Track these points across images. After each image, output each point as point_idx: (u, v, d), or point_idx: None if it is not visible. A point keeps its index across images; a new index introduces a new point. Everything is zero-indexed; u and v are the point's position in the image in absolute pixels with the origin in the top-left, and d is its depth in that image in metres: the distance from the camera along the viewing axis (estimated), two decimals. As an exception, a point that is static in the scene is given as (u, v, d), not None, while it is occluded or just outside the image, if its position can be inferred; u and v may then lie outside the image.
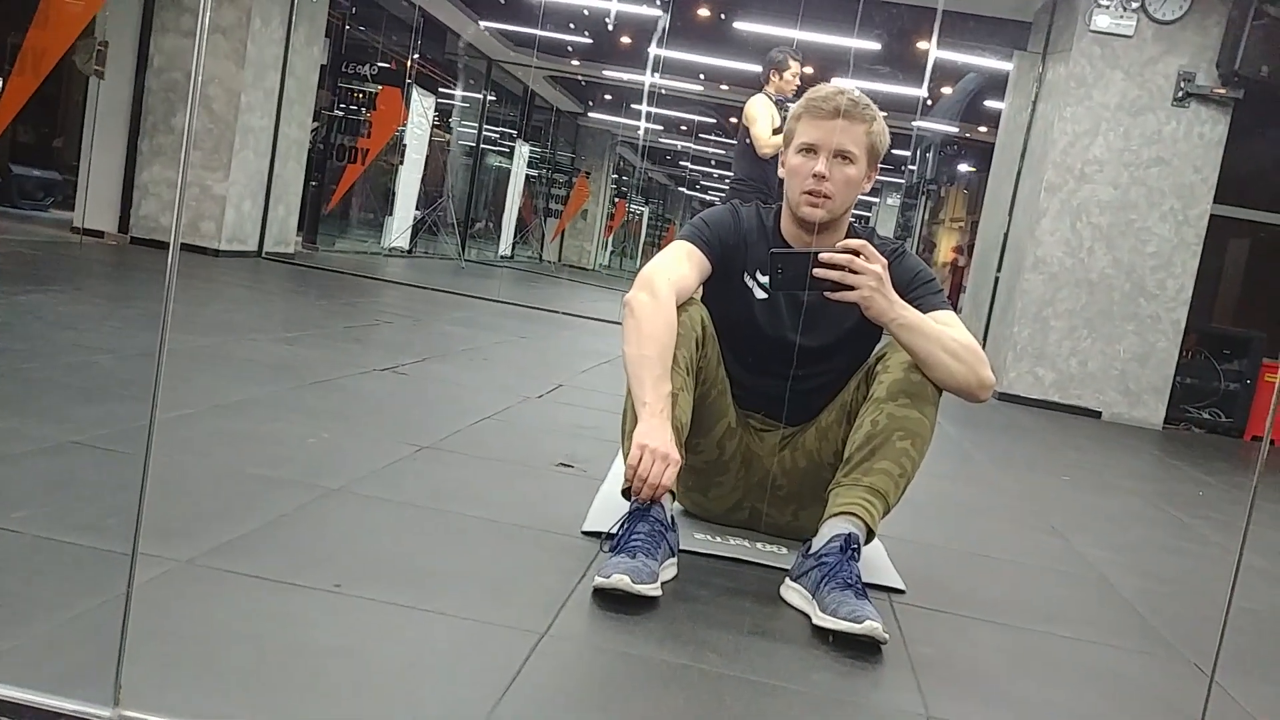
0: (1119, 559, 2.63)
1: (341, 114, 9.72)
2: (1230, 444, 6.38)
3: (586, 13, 11.02)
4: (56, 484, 1.75)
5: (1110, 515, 3.36)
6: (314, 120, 8.41)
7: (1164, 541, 3.04)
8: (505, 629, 1.45)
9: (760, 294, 2.03)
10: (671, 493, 1.80)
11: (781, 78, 5.61)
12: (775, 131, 5.57)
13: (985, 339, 7.03)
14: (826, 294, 1.81)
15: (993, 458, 4.08)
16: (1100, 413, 6.46)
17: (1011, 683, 1.61)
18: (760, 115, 5.58)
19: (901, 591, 1.95)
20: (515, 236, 15.85)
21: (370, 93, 9.79)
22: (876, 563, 2.06)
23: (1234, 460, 5.52)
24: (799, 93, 4.92)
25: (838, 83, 2.05)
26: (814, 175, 1.90)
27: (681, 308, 1.90)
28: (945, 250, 15.85)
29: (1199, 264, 6.44)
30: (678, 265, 1.94)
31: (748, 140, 5.68)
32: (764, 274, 2.01)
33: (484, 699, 1.22)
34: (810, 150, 1.92)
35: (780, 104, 5.70)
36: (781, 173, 2.00)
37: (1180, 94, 6.31)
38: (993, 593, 2.13)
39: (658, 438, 1.74)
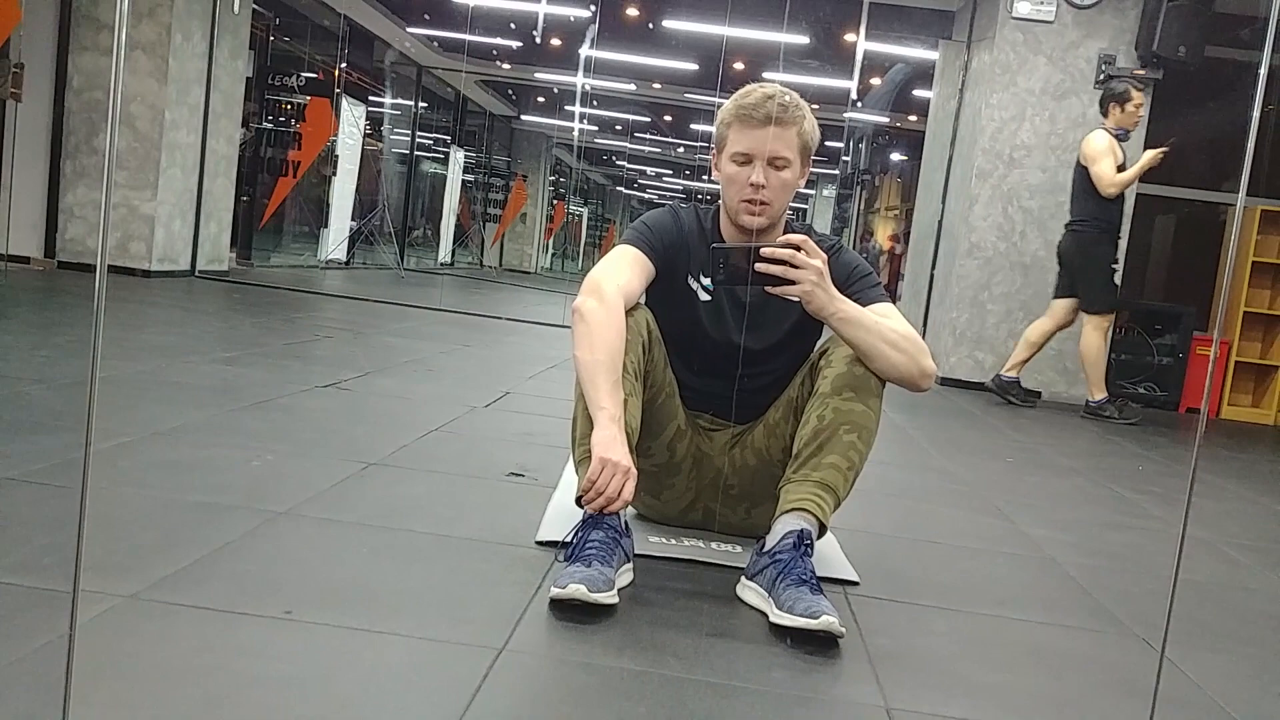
0: (1064, 538, 2.68)
1: (270, 127, 9.58)
2: (1166, 417, 6.53)
3: (513, 25, 10.98)
4: (-9, 523, 1.70)
5: (1054, 494, 3.42)
6: (244, 128, 8.27)
7: (1107, 518, 3.10)
8: (462, 646, 1.44)
9: (704, 295, 2.03)
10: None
11: (1123, 110, 5.37)
12: (1120, 169, 5.28)
13: (925, 325, 7.13)
14: (768, 289, 1.82)
15: (937, 443, 4.14)
16: (1040, 393, 6.58)
17: (967, 669, 1.63)
18: (1102, 153, 5.29)
19: (855, 583, 1.97)
20: (454, 243, 15.75)
21: (299, 104, 9.65)
22: (829, 556, 2.08)
23: (1170, 434, 5.66)
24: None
25: (768, 78, 2.06)
26: (751, 184, 1.92)
27: (628, 313, 1.90)
28: (882, 238, 16.03)
29: (1128, 243, 6.58)
30: (623, 270, 1.94)
31: (1088, 179, 5.33)
32: (707, 274, 2.02)
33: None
34: (745, 159, 1.93)
35: (1121, 138, 5.41)
36: (717, 176, 2.01)
37: (1102, 76, 6.44)
38: (944, 578, 2.15)
39: (618, 450, 1.73)
